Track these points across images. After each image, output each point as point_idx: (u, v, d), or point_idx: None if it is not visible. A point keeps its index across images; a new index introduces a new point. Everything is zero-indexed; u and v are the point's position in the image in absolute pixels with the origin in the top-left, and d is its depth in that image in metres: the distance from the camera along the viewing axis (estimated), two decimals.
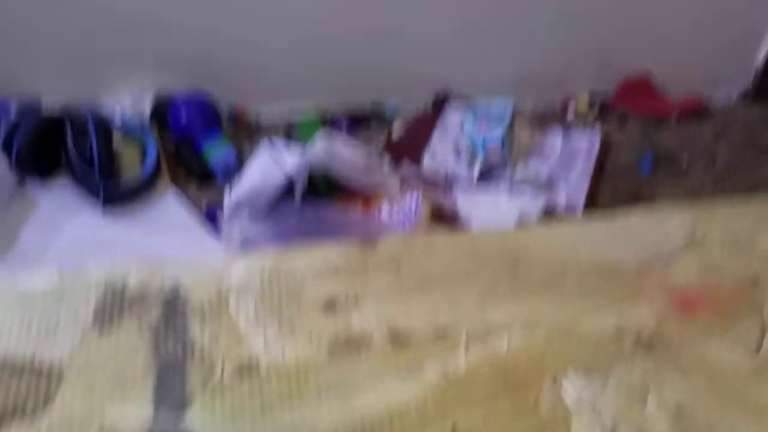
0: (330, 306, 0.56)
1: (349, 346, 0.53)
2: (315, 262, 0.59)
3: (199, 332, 0.54)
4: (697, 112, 1.91)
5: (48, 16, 1.81)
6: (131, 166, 1.82)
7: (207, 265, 0.59)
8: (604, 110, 1.93)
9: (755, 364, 0.52)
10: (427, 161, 1.75)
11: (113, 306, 0.55)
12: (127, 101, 1.95)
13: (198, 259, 0.60)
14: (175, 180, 1.79)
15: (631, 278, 0.58)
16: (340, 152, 1.63)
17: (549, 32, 1.88)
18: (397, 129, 1.88)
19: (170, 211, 1.74)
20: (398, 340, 0.53)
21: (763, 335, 0.53)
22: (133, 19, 1.79)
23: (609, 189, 1.73)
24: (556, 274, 0.58)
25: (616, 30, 1.87)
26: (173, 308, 0.55)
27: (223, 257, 0.58)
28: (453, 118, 1.85)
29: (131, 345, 0.53)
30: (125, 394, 0.50)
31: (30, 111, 1.84)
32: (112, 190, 1.73)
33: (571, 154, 1.76)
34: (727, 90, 1.98)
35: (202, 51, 1.86)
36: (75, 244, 1.65)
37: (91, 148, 1.77)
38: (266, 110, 1.95)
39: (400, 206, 1.64)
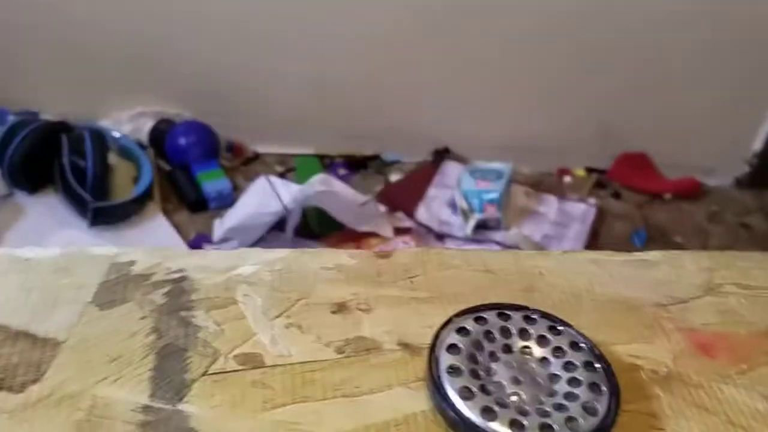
0: (341, 309, 0.54)
1: (358, 349, 0.51)
2: (327, 265, 0.57)
3: (203, 319, 0.51)
4: (692, 192, 1.94)
5: (54, 35, 1.82)
6: (124, 185, 1.80)
7: (217, 257, 0.57)
8: (599, 183, 1.95)
9: None
10: (421, 211, 1.75)
11: (117, 284, 0.53)
12: (127, 122, 1.94)
13: (208, 252, 0.58)
14: (167, 205, 1.77)
15: (647, 315, 0.57)
16: (336, 192, 1.63)
17: (551, 103, 1.92)
18: (395, 178, 1.89)
19: (157, 234, 1.72)
20: (408, 349, 0.51)
21: None
22: (143, 45, 1.80)
23: None
24: (571, 303, 0.57)
25: (617, 108, 1.92)
26: (179, 292, 0.53)
27: (235, 252, 0.56)
28: (451, 173, 1.86)
29: (132, 325, 0.50)
30: (121, 373, 0.47)
31: (27, 121, 1.82)
32: (101, 208, 1.71)
33: (566, 219, 1.77)
34: (722, 175, 2.02)
35: (208, 83, 1.87)
36: None
37: (85, 162, 1.74)
38: (265, 147, 1.96)
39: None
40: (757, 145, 1.99)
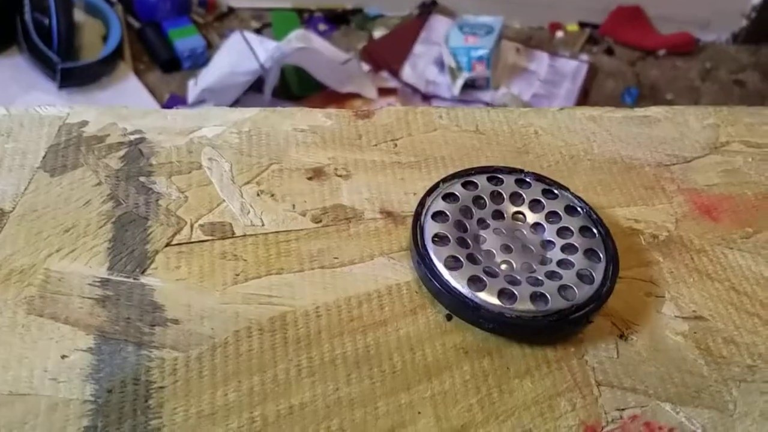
0: (317, 175, 0.49)
1: (337, 218, 0.47)
2: (301, 126, 0.52)
3: (165, 186, 0.47)
4: (686, 48, 1.86)
5: None
6: (92, 44, 1.69)
7: (177, 117, 0.51)
8: (592, 39, 1.87)
9: None
10: (407, 70, 1.67)
11: (68, 146, 0.48)
12: None
13: (167, 111, 0.52)
14: (138, 64, 1.68)
15: (648, 176, 0.53)
16: (316, 50, 1.54)
17: None
18: (378, 33, 1.79)
19: (129, 95, 1.64)
20: (391, 217, 0.47)
21: None
22: None
23: None
24: (567, 164, 0.53)
25: None
26: (137, 155, 0.48)
27: (196, 111, 0.50)
28: (438, 28, 1.76)
29: (86, 192, 0.46)
30: (76, 244, 0.43)
31: None
32: (70, 69, 1.61)
33: (557, 77, 1.70)
34: (718, 31, 1.94)
35: None
36: None
37: (49, 21, 1.63)
38: (239, 0, 1.83)
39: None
40: (750, 5, 1.89)
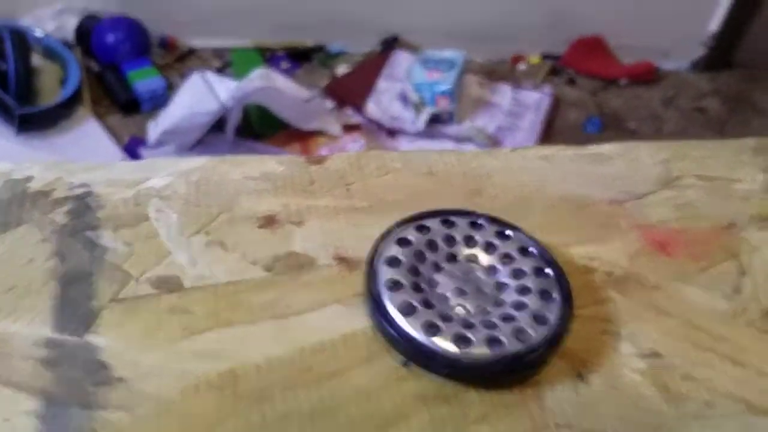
0: (268, 222, 0.49)
1: (289, 266, 0.46)
2: (252, 174, 0.52)
3: (111, 239, 0.46)
4: (647, 77, 1.90)
5: None
6: (50, 88, 1.68)
7: (125, 167, 0.51)
8: (554, 69, 1.90)
9: (732, 308, 0.47)
10: (371, 106, 1.67)
11: (11, 203, 0.46)
12: (49, 19, 1.79)
13: (114, 164, 0.51)
14: (97, 107, 1.66)
15: (601, 213, 0.53)
16: (278, 87, 1.54)
17: None
18: (342, 70, 1.80)
19: (89, 139, 1.62)
20: (345, 263, 0.47)
21: (740, 278, 0.49)
22: None
23: None
24: (520, 205, 0.53)
25: None
26: (83, 209, 0.47)
27: (144, 163, 0.49)
28: (401, 64, 1.77)
29: (30, 249, 0.44)
30: (20, 304, 0.42)
31: None
32: (28, 113, 1.59)
33: (520, 109, 1.72)
34: (678, 59, 1.98)
35: None
36: None
37: (6, 65, 1.61)
38: (200, 41, 1.83)
39: (341, 150, 1.57)
40: (714, 27, 1.94)
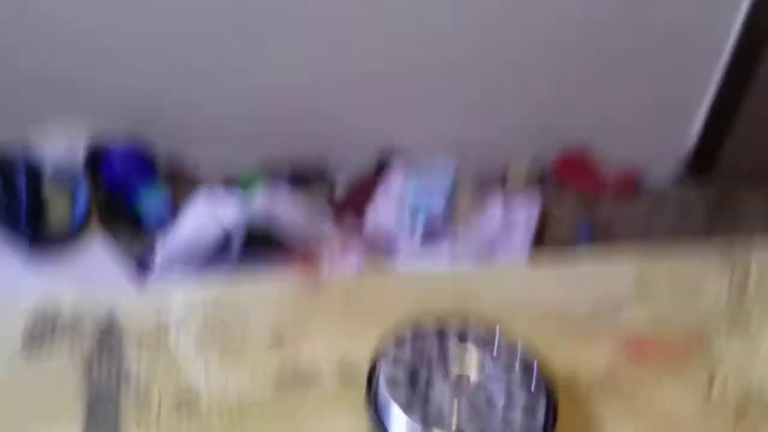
0: (276, 339, 0.53)
1: (297, 381, 0.50)
2: (260, 294, 0.57)
3: (135, 362, 0.50)
4: (630, 191, 1.99)
5: None
6: (60, 214, 1.75)
7: (145, 294, 0.56)
8: (543, 179, 1.98)
9: (706, 411, 0.51)
10: (369, 223, 1.74)
11: (44, 331, 0.51)
12: (60, 146, 1.88)
13: (136, 289, 0.57)
14: (106, 230, 1.73)
15: (581, 324, 0.58)
16: (281, 207, 1.61)
17: (491, 98, 1.94)
18: (341, 187, 1.89)
19: (98, 262, 1.67)
20: (348, 375, 0.51)
21: (711, 383, 0.54)
22: (71, 62, 1.75)
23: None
24: (506, 317, 0.58)
25: (556, 101, 1.95)
26: (108, 336, 0.51)
27: (163, 287, 0.55)
28: (397, 182, 1.86)
29: (62, 373, 0.49)
30: (53, 423, 0.46)
31: None
32: (39, 239, 1.65)
33: (511, 223, 1.79)
34: (662, 165, 2.07)
35: (142, 99, 1.82)
36: None
37: (19, 194, 1.69)
38: (205, 162, 1.92)
39: (342, 265, 1.62)
40: (692, 139, 2.04)
